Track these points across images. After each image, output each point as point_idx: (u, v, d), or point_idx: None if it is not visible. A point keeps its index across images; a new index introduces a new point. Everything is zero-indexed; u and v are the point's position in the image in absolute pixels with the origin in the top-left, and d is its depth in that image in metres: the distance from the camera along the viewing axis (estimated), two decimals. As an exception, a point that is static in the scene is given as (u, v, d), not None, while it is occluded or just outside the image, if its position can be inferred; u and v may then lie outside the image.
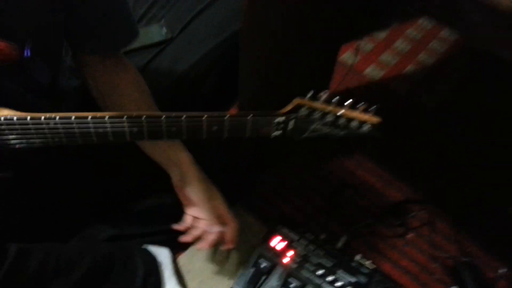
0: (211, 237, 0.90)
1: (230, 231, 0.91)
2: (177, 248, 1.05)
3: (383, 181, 1.26)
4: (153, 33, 1.25)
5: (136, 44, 1.16)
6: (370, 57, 1.60)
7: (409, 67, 1.58)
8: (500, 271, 1.07)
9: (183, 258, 1.06)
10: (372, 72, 1.55)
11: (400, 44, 1.65)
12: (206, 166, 0.91)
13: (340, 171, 1.28)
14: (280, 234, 1.08)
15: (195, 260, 1.07)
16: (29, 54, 0.74)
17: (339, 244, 1.09)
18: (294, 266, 1.03)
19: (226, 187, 0.93)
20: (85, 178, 0.94)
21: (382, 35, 1.68)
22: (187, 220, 0.91)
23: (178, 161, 0.87)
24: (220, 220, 0.90)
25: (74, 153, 0.85)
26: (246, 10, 0.91)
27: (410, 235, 1.17)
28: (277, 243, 1.06)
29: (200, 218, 0.90)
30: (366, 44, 1.63)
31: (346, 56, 1.54)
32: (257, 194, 1.20)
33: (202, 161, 0.90)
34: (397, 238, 1.16)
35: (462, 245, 1.14)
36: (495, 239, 1.15)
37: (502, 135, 1.35)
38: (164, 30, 1.25)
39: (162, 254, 1.01)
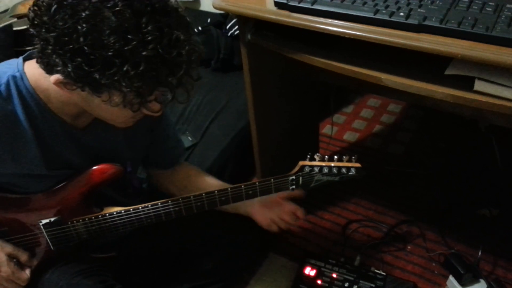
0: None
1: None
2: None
3: (378, 213, 1.62)
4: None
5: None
6: (345, 126, 2.05)
7: (376, 127, 2.03)
8: (479, 255, 1.40)
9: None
10: (349, 136, 1.99)
11: (365, 113, 2.12)
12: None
13: (344, 212, 1.64)
14: (310, 265, 1.41)
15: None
16: (130, 169, 1.11)
17: (356, 263, 1.42)
18: (326, 285, 1.35)
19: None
20: (163, 247, 1.28)
21: (349, 108, 2.15)
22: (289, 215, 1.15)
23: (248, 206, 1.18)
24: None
25: (154, 230, 1.20)
26: (253, 109, 1.33)
27: (409, 247, 1.51)
28: (309, 271, 1.39)
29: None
30: (340, 118, 2.09)
31: (327, 129, 1.98)
32: (283, 240, 1.55)
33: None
34: (399, 251, 1.50)
35: (448, 244, 1.48)
36: (471, 233, 1.49)
37: (460, 157, 1.76)
38: (190, 138, 1.68)
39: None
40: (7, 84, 0.87)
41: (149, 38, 0.71)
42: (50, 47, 0.73)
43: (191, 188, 1.20)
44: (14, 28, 1.85)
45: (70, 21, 0.71)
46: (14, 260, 1.02)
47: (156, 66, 0.73)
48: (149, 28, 0.71)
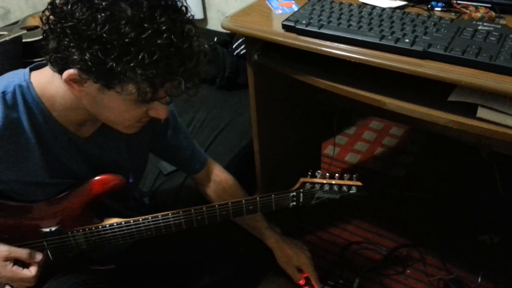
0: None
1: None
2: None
3: (378, 235, 1.62)
4: (184, 158, 1.68)
5: (173, 167, 1.58)
6: (347, 147, 2.06)
7: (378, 150, 2.03)
8: (479, 281, 1.39)
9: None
10: (351, 158, 2.00)
11: (367, 135, 2.13)
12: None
13: (344, 234, 1.64)
14: (308, 286, 1.40)
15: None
16: (132, 180, 1.11)
17: (355, 285, 1.41)
18: (324, 306, 1.35)
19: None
20: (162, 261, 1.28)
21: (352, 130, 2.16)
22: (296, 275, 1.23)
23: (269, 235, 1.21)
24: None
25: (153, 242, 1.20)
26: (257, 127, 1.33)
27: (408, 271, 1.50)
28: (308, 292, 1.38)
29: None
30: (342, 139, 2.10)
31: (329, 150, 1.99)
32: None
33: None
34: (399, 274, 1.49)
35: (448, 269, 1.47)
36: (471, 259, 1.49)
37: (461, 183, 1.77)
38: (192, 154, 1.68)
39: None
40: (13, 93, 0.88)
41: (164, 28, 0.75)
42: (67, 38, 0.76)
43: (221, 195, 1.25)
44: (24, 40, 1.88)
45: (88, 12, 0.74)
46: (12, 262, 0.96)
47: (170, 55, 0.76)
48: (163, 19, 0.75)
